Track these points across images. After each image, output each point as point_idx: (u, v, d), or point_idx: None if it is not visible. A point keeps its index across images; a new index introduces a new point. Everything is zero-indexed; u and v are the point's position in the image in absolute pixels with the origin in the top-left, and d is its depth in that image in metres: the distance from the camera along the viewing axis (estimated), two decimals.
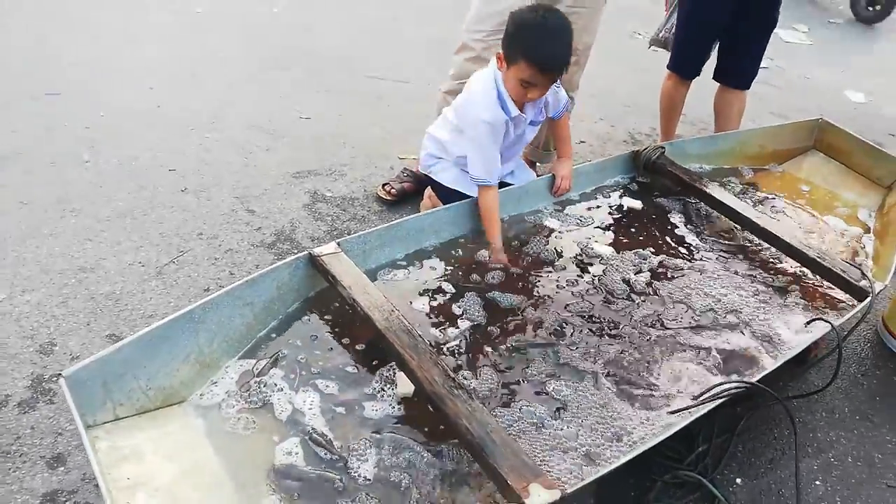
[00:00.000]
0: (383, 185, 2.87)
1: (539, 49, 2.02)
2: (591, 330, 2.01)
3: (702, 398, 1.73)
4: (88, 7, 4.34)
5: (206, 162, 2.97)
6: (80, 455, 1.73)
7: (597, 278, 2.20)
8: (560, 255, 2.28)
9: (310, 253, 1.93)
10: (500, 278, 2.14)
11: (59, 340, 2.04)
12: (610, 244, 2.36)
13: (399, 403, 1.72)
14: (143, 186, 2.76)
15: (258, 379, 1.73)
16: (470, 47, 2.58)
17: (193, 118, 3.29)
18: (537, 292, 2.12)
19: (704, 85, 3.17)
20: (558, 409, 1.75)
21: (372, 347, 1.84)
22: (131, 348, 1.54)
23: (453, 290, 2.07)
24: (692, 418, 1.65)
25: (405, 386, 1.74)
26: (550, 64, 2.05)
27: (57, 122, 3.11)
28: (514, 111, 2.18)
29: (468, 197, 2.29)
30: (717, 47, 3.02)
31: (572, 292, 2.14)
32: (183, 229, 2.55)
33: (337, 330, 1.90)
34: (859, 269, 2.19)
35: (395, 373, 1.77)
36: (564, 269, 2.23)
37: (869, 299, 2.05)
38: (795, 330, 2.08)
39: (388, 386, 1.76)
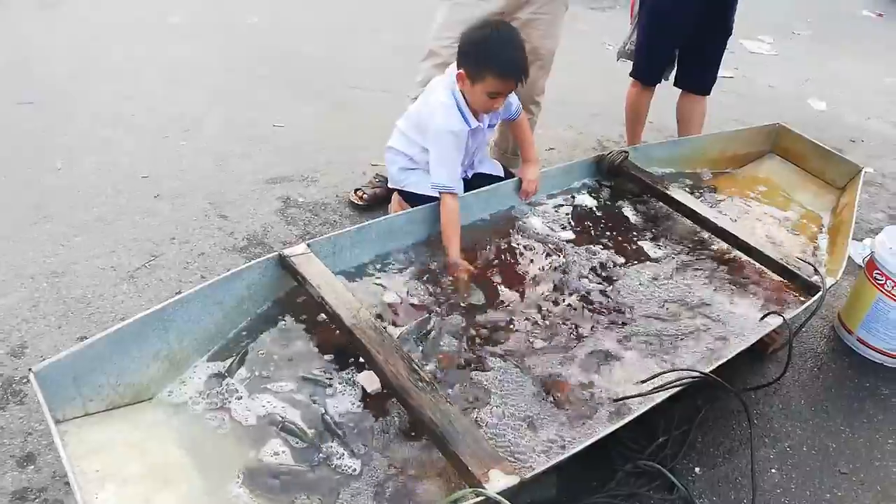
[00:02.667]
0: (355, 190, 2.92)
1: (502, 60, 2.12)
2: (548, 323, 2.08)
3: (655, 387, 1.79)
4: (64, 18, 4.36)
5: (180, 168, 3.01)
6: (50, 454, 1.75)
7: (555, 273, 2.28)
8: (522, 253, 2.35)
9: (280, 254, 1.97)
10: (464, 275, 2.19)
11: (30, 343, 2.06)
12: (571, 241, 2.44)
13: (364, 399, 1.77)
14: (116, 193, 2.79)
15: (227, 378, 1.76)
16: (437, 53, 2.65)
17: (168, 126, 3.32)
18: (498, 289, 2.19)
19: (671, 94, 3.26)
20: (514, 401, 1.81)
21: (340, 346, 1.89)
22: (102, 345, 1.57)
23: (420, 290, 2.13)
24: (649, 406, 1.71)
25: (372, 383, 1.79)
26: (514, 71, 2.14)
27: (32, 129, 3.13)
28: (474, 123, 2.27)
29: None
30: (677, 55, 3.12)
31: (531, 288, 2.21)
32: (156, 234, 2.58)
33: (306, 330, 1.94)
34: (812, 265, 2.28)
35: (359, 371, 1.83)
36: (525, 265, 2.30)
37: (820, 293, 2.13)
38: (750, 324, 2.17)
39: (353, 386, 1.80)
